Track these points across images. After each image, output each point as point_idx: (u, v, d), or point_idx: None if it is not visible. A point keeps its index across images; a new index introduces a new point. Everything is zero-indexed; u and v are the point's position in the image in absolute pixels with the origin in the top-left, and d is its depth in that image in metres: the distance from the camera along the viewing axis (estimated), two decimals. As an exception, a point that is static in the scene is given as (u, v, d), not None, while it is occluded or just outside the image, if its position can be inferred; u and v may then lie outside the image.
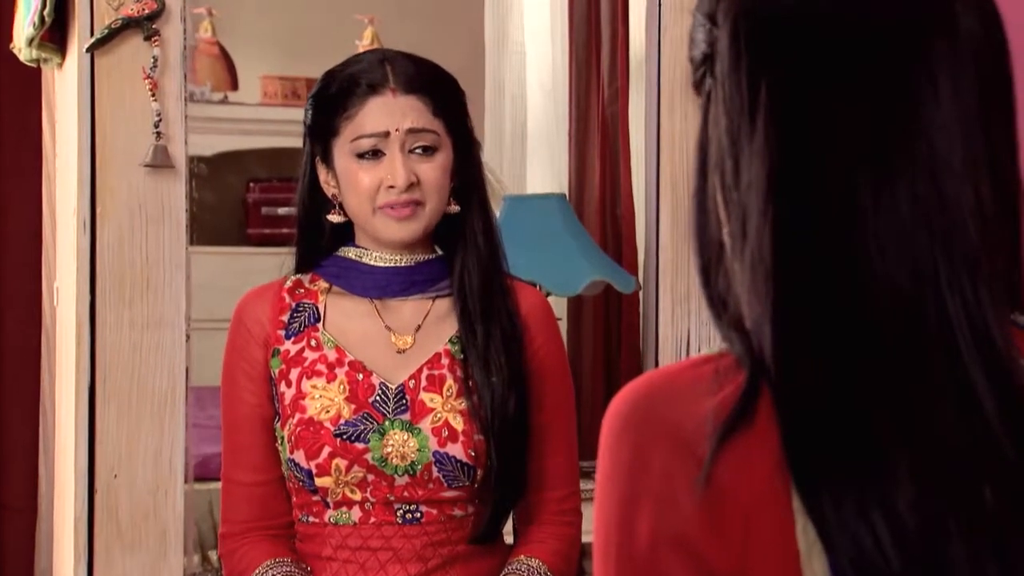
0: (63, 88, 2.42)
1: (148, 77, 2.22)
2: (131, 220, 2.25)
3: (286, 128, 5.54)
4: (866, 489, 0.81)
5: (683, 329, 2.41)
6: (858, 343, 0.83)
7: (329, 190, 2.01)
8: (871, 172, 0.84)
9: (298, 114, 2.13)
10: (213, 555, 3.94)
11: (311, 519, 1.97)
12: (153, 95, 2.23)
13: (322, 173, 2.02)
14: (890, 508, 0.80)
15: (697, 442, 0.85)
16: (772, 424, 0.84)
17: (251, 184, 6.14)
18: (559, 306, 3.67)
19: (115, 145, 2.23)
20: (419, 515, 1.93)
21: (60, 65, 2.40)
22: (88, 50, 2.21)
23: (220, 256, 5.92)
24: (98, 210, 2.22)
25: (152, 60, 2.23)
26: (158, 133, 2.24)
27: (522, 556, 2.02)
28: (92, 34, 2.21)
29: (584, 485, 2.92)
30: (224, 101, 6.08)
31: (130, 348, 2.24)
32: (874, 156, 0.84)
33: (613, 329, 3.73)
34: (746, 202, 0.86)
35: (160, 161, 2.24)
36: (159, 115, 2.23)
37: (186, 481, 2.29)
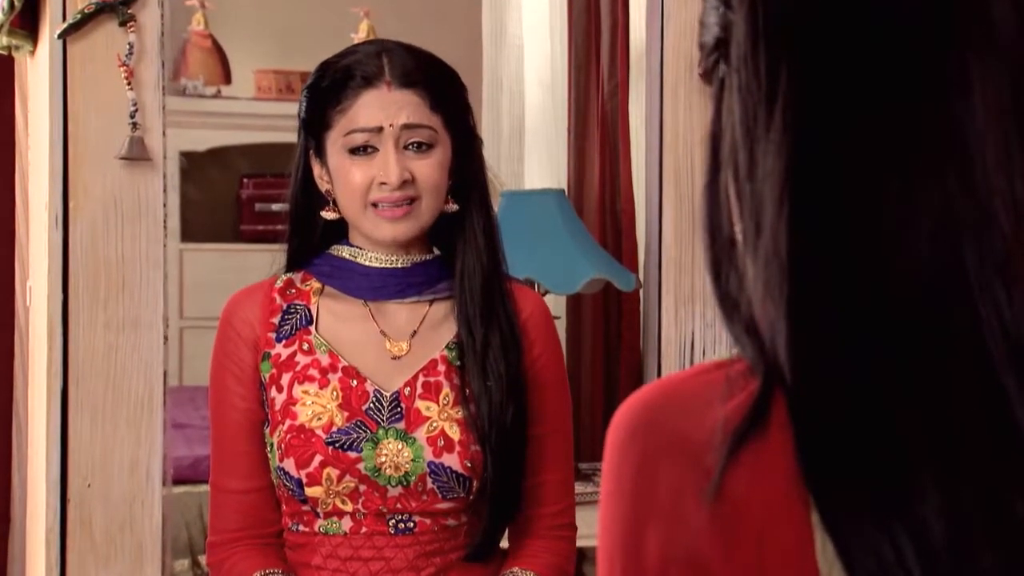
0: (35, 77, 2.34)
1: (123, 65, 2.13)
2: (106, 216, 2.17)
3: (280, 123, 5.54)
4: (888, 500, 0.77)
5: (687, 331, 2.33)
6: (879, 347, 0.79)
7: (323, 186, 1.96)
8: (897, 167, 0.79)
9: (293, 108, 2.07)
10: (203, 560, 3.87)
11: (301, 528, 1.92)
12: (129, 84, 2.13)
13: (316, 168, 1.96)
14: (914, 520, 0.76)
15: (706, 454, 0.81)
16: (787, 433, 0.80)
17: (244, 180, 6.14)
18: (557, 304, 3.68)
19: (89, 137, 2.16)
20: (412, 525, 1.88)
21: (32, 53, 2.32)
22: (60, 36, 2.13)
23: (213, 253, 5.93)
24: (71, 205, 2.15)
25: (128, 47, 2.14)
26: (134, 124, 2.14)
27: (516, 569, 1.97)
28: (64, 19, 2.13)
29: (583, 488, 2.90)
30: (217, 95, 6.06)
31: (105, 350, 2.17)
32: (901, 150, 0.80)
33: (613, 328, 3.72)
34: (761, 196, 0.82)
35: (136, 154, 2.15)
36: (135, 105, 2.14)
37: (164, 484, 2.21)
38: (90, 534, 2.16)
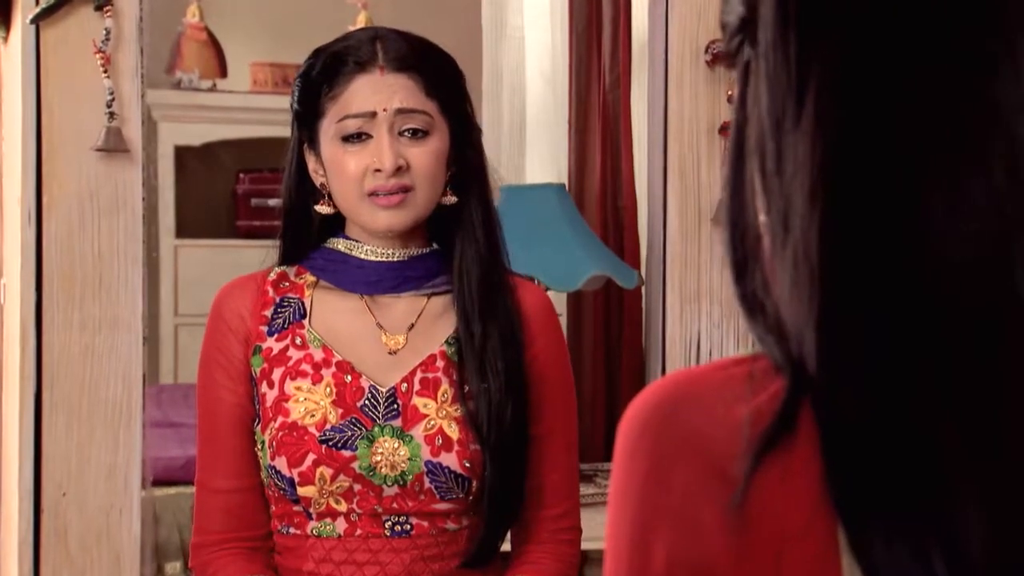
0: (8, 65, 2.30)
1: (99, 51, 2.09)
2: (81, 210, 2.14)
3: (276, 117, 5.45)
4: (926, 525, 0.73)
5: (693, 330, 2.31)
6: (918, 355, 0.75)
7: (318, 179, 1.91)
8: (940, 161, 0.75)
9: (289, 102, 2.00)
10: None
11: (292, 530, 1.86)
12: (105, 71, 2.10)
13: (310, 161, 1.91)
14: (953, 544, 0.72)
15: (727, 456, 0.77)
16: (814, 441, 0.76)
17: (240, 175, 6.13)
18: (558, 302, 3.62)
19: (63, 127, 2.12)
20: (409, 527, 1.83)
21: (5, 39, 2.27)
22: (32, 21, 2.09)
23: (208, 249, 5.92)
24: (44, 199, 2.12)
25: (104, 33, 2.10)
26: (111, 114, 2.11)
27: None
28: (37, 3, 2.10)
29: (585, 490, 2.87)
30: (212, 89, 6.04)
31: (80, 352, 2.14)
32: (944, 142, 0.75)
33: (614, 326, 3.69)
34: (790, 192, 0.77)
35: (113, 145, 2.11)
36: (112, 94, 2.11)
37: (144, 489, 2.19)
38: (65, 545, 2.13)
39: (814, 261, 0.76)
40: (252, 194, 6.02)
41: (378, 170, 1.82)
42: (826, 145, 0.76)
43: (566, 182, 3.79)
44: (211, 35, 5.99)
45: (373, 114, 1.82)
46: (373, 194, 1.83)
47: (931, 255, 0.75)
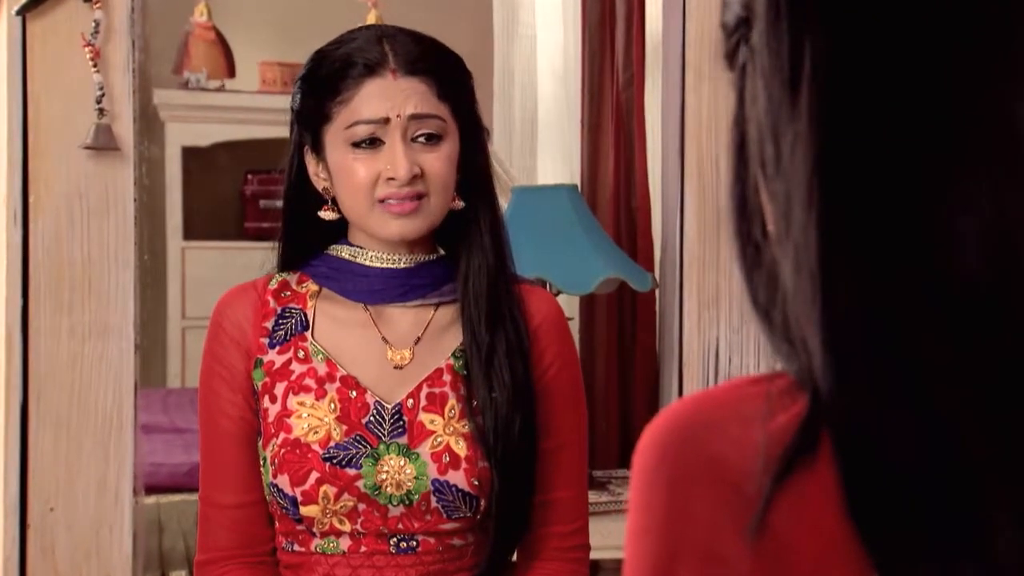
0: None
1: (88, 44, 2.06)
2: (70, 211, 2.11)
3: (285, 116, 5.48)
4: (956, 548, 0.70)
5: (711, 336, 2.26)
6: (931, 365, 0.72)
7: (320, 183, 1.87)
8: (940, 156, 0.73)
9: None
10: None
11: (296, 547, 1.83)
12: (95, 65, 2.07)
13: (311, 165, 1.88)
14: (987, 567, 0.70)
15: (747, 480, 0.75)
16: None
17: (249, 176, 6.16)
18: (570, 305, 3.65)
19: (51, 124, 2.11)
20: (415, 544, 1.80)
21: None
22: (18, 13, 2.07)
23: (216, 251, 5.95)
24: (31, 199, 2.10)
25: (93, 25, 2.08)
26: (101, 110, 2.08)
27: None
28: None
29: (597, 497, 2.87)
30: (221, 89, 6.06)
31: (69, 360, 2.12)
32: (943, 137, 0.73)
33: (628, 330, 3.67)
34: (789, 193, 0.76)
35: (103, 143, 2.08)
36: (102, 89, 2.08)
37: (136, 501, 2.16)
38: (52, 563, 2.11)
39: (814, 265, 0.74)
40: (260, 195, 6.06)
41: (391, 178, 1.77)
42: (821, 140, 0.74)
43: (579, 183, 3.78)
44: (219, 35, 6.02)
45: (386, 120, 1.77)
46: (384, 201, 1.79)
47: (935, 259, 0.73)
